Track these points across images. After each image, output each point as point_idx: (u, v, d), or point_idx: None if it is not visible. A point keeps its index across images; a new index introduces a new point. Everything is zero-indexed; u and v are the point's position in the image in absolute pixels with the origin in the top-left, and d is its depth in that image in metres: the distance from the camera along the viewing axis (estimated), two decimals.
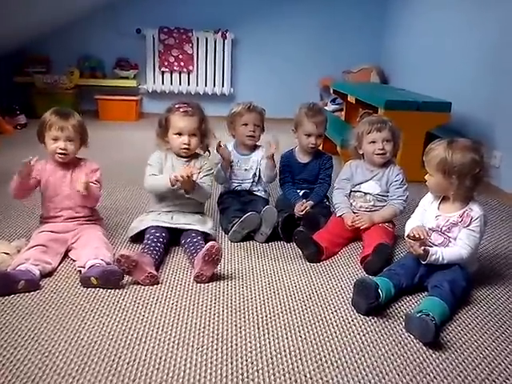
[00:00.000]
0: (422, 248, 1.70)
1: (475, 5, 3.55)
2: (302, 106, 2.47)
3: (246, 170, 2.46)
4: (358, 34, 5.37)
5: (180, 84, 5.49)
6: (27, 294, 1.68)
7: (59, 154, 1.95)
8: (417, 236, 1.69)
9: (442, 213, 1.81)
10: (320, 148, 2.58)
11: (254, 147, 2.50)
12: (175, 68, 5.42)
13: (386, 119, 2.26)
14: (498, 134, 3.13)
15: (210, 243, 1.80)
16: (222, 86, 5.50)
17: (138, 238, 2.10)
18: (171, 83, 5.48)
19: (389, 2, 5.23)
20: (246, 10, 5.33)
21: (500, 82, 3.15)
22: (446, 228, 1.78)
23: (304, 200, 2.36)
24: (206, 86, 5.51)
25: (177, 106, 2.11)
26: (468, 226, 1.75)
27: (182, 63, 5.41)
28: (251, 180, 2.46)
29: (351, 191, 2.28)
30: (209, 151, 2.26)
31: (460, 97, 3.42)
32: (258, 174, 2.46)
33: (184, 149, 2.10)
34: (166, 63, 5.39)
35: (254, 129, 2.40)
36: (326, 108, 4.96)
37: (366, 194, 2.24)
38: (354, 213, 2.22)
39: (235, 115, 2.42)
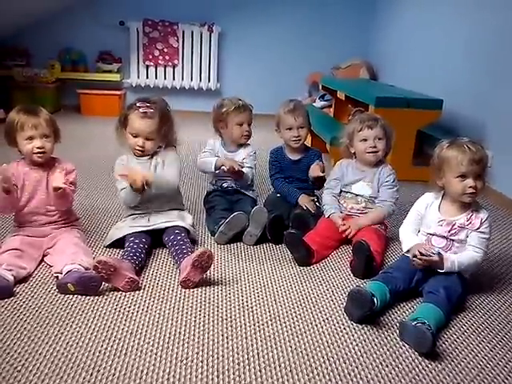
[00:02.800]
0: (437, 256, 1.64)
1: (467, 1, 3.50)
2: (280, 104, 2.44)
3: None
4: (347, 30, 5.30)
5: (165, 78, 5.37)
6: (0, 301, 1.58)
7: (37, 153, 1.83)
8: (424, 252, 1.64)
9: (446, 216, 1.73)
10: (308, 144, 2.52)
11: (241, 144, 2.44)
12: (160, 62, 5.30)
13: (377, 117, 2.20)
14: (489, 133, 3.09)
15: (202, 249, 1.72)
16: (208, 80, 5.40)
17: (116, 244, 2.00)
18: (156, 77, 5.36)
19: None
20: (233, 3, 5.22)
21: (492, 79, 3.10)
22: (453, 232, 1.71)
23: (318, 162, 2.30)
24: (191, 80, 5.40)
25: (138, 104, 1.99)
26: (478, 228, 1.68)
27: (166, 57, 5.29)
28: None
29: (342, 191, 2.22)
30: (174, 146, 2.13)
31: (451, 94, 3.37)
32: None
33: (138, 150, 2.01)
34: (150, 57, 5.27)
35: (249, 128, 2.37)
36: (314, 104, 4.90)
37: (357, 195, 2.17)
38: (348, 215, 2.15)
39: (228, 114, 2.33)
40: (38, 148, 1.82)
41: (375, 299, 1.54)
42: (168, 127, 2.04)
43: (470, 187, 1.65)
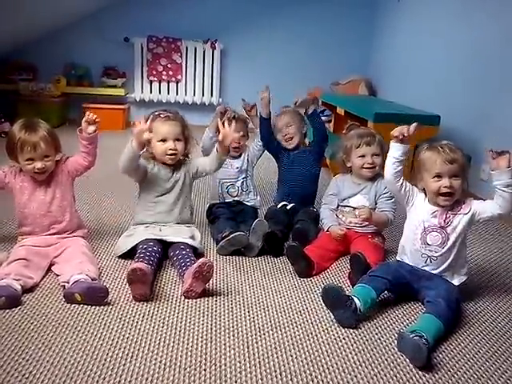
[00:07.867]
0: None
1: (463, 18, 3.58)
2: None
3: (237, 168, 2.49)
4: (347, 46, 5.40)
5: (168, 93, 5.45)
6: (7, 310, 1.61)
7: (38, 173, 1.89)
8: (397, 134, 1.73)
9: (439, 207, 1.76)
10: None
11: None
12: (163, 77, 5.39)
13: (374, 132, 2.25)
14: (486, 148, 3.14)
15: (202, 260, 1.75)
16: (211, 95, 5.48)
17: (127, 254, 2.03)
18: (159, 92, 5.44)
19: (377, 15, 5.27)
20: (236, 21, 5.33)
21: (488, 95, 3.17)
22: (447, 221, 1.74)
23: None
24: (194, 95, 5.48)
25: (156, 113, 2.09)
26: (469, 211, 1.74)
27: (170, 72, 5.38)
28: (243, 177, 2.50)
29: (340, 206, 2.26)
30: (189, 158, 2.22)
31: (448, 109, 3.43)
32: (248, 172, 2.53)
33: (171, 154, 2.07)
34: (154, 72, 5.36)
35: (239, 140, 2.41)
36: None
37: (355, 208, 2.21)
38: (347, 229, 2.18)
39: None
40: (38, 169, 1.88)
41: (350, 295, 1.63)
42: (188, 132, 2.13)
43: (445, 187, 1.69)
